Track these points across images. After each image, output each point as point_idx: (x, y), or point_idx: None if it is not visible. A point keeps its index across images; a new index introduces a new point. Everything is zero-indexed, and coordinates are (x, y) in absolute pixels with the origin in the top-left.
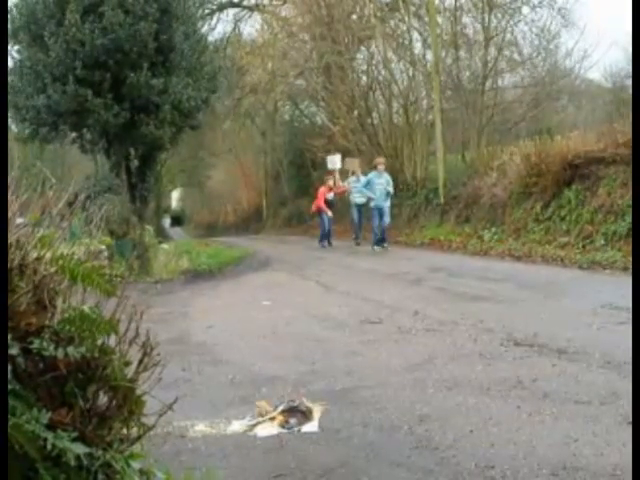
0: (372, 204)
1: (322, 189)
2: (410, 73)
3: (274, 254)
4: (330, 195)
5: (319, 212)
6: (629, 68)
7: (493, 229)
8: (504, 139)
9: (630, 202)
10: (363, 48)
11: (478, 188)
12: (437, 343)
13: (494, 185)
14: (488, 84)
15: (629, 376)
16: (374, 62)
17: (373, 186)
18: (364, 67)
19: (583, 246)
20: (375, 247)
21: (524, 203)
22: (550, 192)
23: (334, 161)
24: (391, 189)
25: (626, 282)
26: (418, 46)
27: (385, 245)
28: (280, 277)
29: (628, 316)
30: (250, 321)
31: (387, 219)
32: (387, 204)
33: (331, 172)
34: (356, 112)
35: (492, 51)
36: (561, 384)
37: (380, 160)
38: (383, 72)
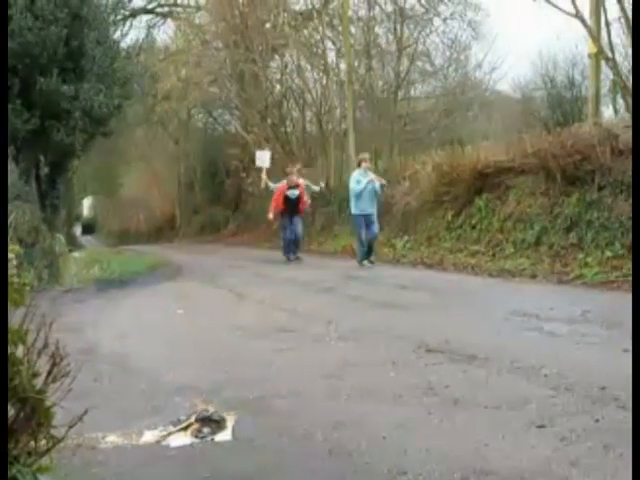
0: (355, 210)
1: (280, 185)
2: (324, 82)
3: (187, 263)
4: (293, 192)
5: (280, 214)
6: (536, 80)
7: (405, 237)
8: (416, 148)
9: (539, 210)
10: (277, 57)
11: (390, 197)
12: (350, 351)
13: (406, 194)
14: (400, 94)
15: (537, 381)
16: (288, 71)
17: (358, 188)
18: (278, 75)
19: (493, 254)
20: (364, 262)
21: (436, 212)
22: (461, 201)
23: (263, 158)
24: (378, 188)
25: (534, 289)
26: (332, 55)
27: (372, 260)
28: (194, 286)
29: (537, 322)
30: (163, 330)
31: (376, 228)
32: (374, 209)
33: (297, 169)
34: (270, 120)
35: (404, 61)
36: (471, 390)
37: (364, 156)
38: (297, 81)
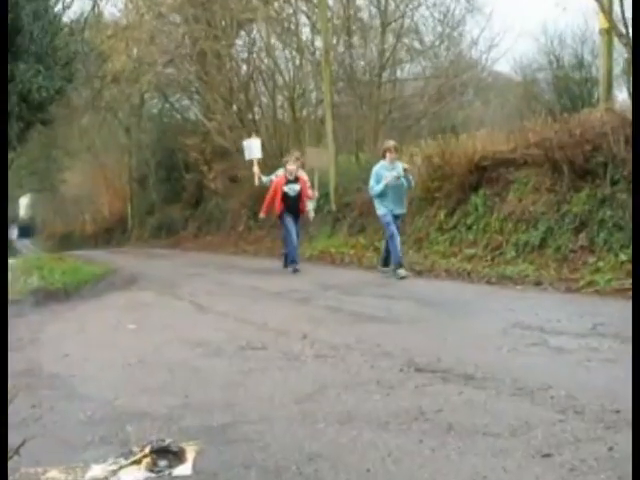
0: (381, 211)
1: (276, 178)
2: (297, 62)
3: (141, 270)
4: (293, 188)
5: (279, 217)
6: (540, 60)
7: None
8: (403, 138)
9: (544, 208)
10: (243, 33)
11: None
12: (329, 371)
13: None
14: (385, 75)
15: (543, 404)
16: (256, 49)
17: (378, 189)
18: (244, 55)
19: (492, 258)
20: (399, 271)
21: (426, 210)
22: (455, 198)
23: (252, 147)
24: (411, 184)
25: (538, 298)
26: (306, 31)
27: (402, 272)
28: (148, 297)
29: (542, 336)
30: (113, 348)
31: (399, 233)
32: (404, 209)
33: (295, 157)
34: (235, 106)
35: (390, 38)
36: (468, 414)
37: (389, 145)
38: (266, 60)
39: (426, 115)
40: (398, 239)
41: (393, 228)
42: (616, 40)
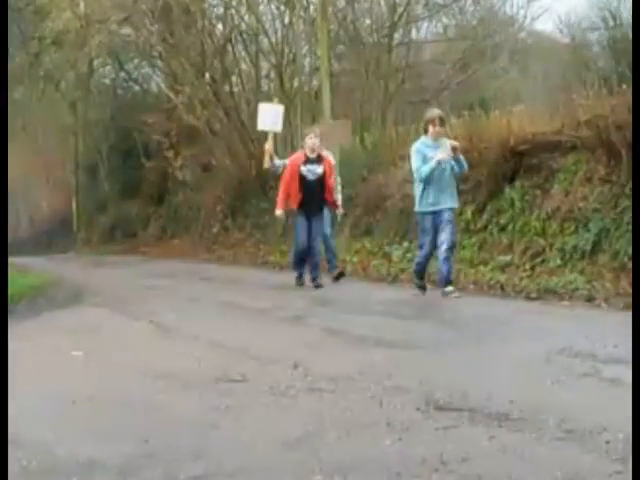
0: (421, 206)
1: (292, 158)
2: (286, 20)
3: (90, 282)
4: (313, 169)
5: (289, 211)
6: (593, 17)
7: (405, 244)
8: (420, 115)
9: (597, 205)
10: None
11: (384, 186)
12: (326, 409)
13: (406, 181)
14: (397, 37)
15: (596, 449)
16: (234, 3)
17: (425, 171)
18: (220, 10)
19: (531, 267)
20: (447, 289)
21: None
22: (485, 191)
23: (270, 116)
24: (463, 167)
25: (590, 317)
26: None
27: (450, 289)
28: (98, 316)
29: (594, 365)
30: (55, 380)
31: (453, 231)
32: (454, 202)
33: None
34: (208, 76)
35: None
36: (502, 464)
37: (433, 114)
38: (247, 18)
39: (448, 86)
40: (427, 248)
41: (427, 240)
42: None
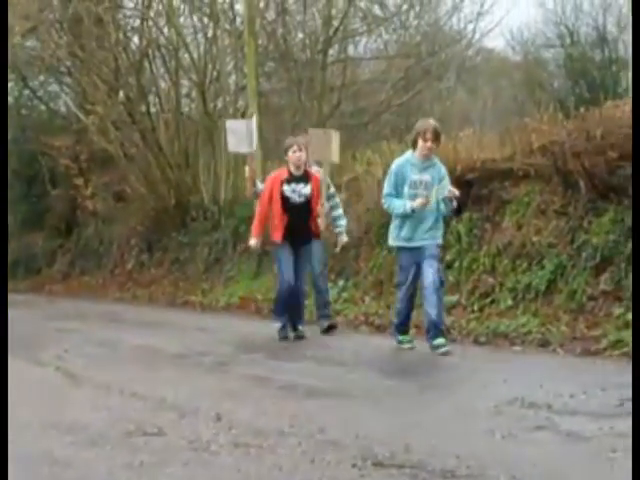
0: (396, 239)
1: (272, 177)
2: (210, 33)
3: None
4: (299, 190)
5: (274, 239)
6: (548, 33)
7: (341, 282)
8: (358, 140)
9: (552, 239)
10: None
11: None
12: (252, 466)
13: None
14: (333, 53)
15: None
16: (152, 14)
17: (405, 192)
18: (136, 22)
19: (480, 308)
20: (402, 339)
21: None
22: None
23: (238, 136)
24: (448, 195)
25: (545, 364)
26: None
27: (441, 343)
28: None
29: (550, 417)
30: None
31: (437, 271)
32: (437, 239)
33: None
34: (122, 94)
35: (339, 0)
36: None
37: (427, 125)
38: (166, 30)
39: (389, 108)
40: (406, 290)
41: (405, 280)
42: None
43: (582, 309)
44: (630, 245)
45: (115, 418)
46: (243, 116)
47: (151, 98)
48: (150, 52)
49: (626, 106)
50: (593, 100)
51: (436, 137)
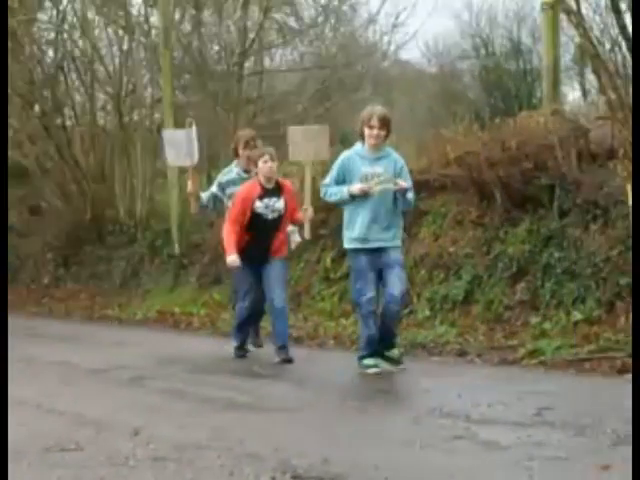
0: (350, 241)
1: (243, 192)
2: (125, 46)
3: None
4: (272, 205)
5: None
6: (464, 44)
7: None
8: (276, 152)
9: (468, 249)
10: (49, 4)
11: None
12: None
13: None
14: (249, 65)
15: None
16: (67, 27)
17: (333, 190)
18: (51, 35)
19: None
20: (367, 363)
21: (306, 253)
22: None
23: (177, 147)
24: (397, 189)
25: (463, 374)
26: (138, 2)
27: (394, 356)
28: None
29: (467, 427)
30: None
31: (399, 281)
32: (396, 240)
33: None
34: (38, 107)
35: (255, 12)
36: None
37: (375, 111)
38: (81, 43)
39: (306, 120)
40: (366, 301)
41: (369, 290)
42: (563, 18)
43: (499, 319)
44: (546, 253)
45: (32, 434)
46: (159, 129)
47: (66, 111)
48: (65, 65)
49: (540, 117)
50: (508, 111)
51: (384, 124)
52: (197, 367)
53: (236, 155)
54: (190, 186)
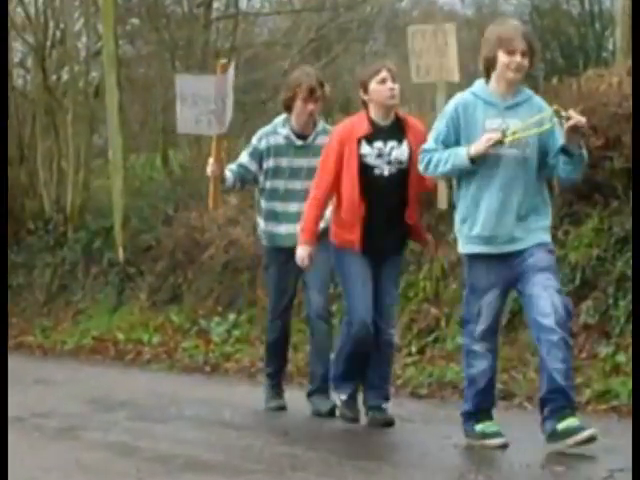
0: (466, 247)
1: (341, 130)
2: None
3: None
4: (390, 156)
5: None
6: None
7: (231, 317)
8: (253, 122)
9: None
10: None
11: (198, 229)
12: None
13: (232, 221)
14: (218, 6)
15: None
16: None
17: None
18: None
19: (420, 350)
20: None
21: None
22: None
23: (202, 99)
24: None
25: (510, 422)
26: None
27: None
28: None
29: None
30: None
31: (563, 301)
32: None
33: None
34: None
35: None
36: None
37: (511, 29)
38: None
39: None
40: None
41: (484, 316)
42: None
43: None
44: (620, 264)
45: None
46: (97, 92)
47: None
48: None
49: (613, 77)
50: (569, 68)
51: (530, 49)
52: (147, 414)
53: (287, 109)
54: (211, 168)
